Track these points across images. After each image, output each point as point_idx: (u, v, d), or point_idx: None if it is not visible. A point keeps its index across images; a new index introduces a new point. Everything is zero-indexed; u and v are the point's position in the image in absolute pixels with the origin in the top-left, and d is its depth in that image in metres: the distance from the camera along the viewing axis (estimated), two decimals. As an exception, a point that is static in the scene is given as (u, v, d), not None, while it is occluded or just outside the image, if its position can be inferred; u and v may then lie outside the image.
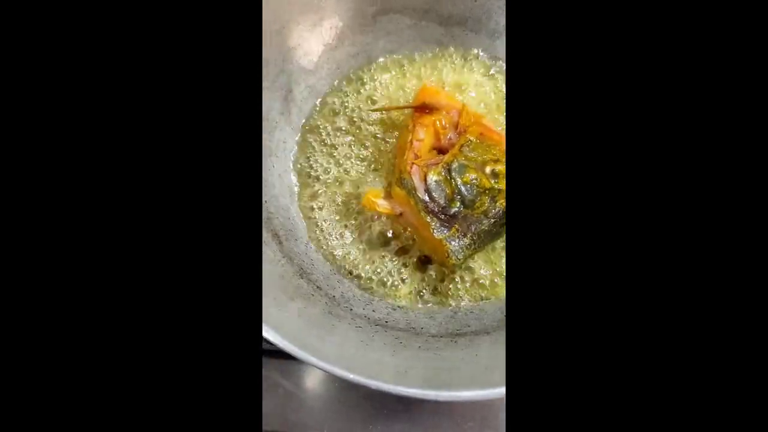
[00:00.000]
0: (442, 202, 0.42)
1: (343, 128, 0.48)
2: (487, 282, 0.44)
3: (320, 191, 0.47)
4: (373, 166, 0.47)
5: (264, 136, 0.46)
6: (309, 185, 0.47)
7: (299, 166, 0.48)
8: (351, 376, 0.33)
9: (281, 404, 0.45)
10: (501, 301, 0.43)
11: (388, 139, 0.48)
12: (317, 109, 0.49)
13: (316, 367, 0.34)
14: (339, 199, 0.46)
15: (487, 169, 0.43)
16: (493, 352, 0.38)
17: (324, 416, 0.45)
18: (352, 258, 0.45)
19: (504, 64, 0.50)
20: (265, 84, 0.46)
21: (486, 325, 0.42)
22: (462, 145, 0.43)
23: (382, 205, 0.44)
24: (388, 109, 0.48)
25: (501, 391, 0.33)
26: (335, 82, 0.50)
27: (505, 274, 0.44)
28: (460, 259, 0.42)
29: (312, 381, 0.46)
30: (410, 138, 0.44)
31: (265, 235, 0.42)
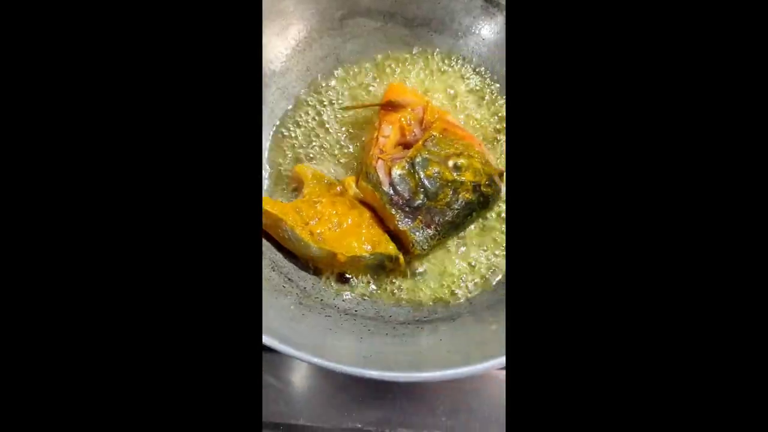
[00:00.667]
0: (406, 195, 0.43)
1: (315, 128, 0.50)
2: (448, 278, 0.45)
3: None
4: (344, 163, 0.49)
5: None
6: (281, 183, 0.49)
7: (271, 165, 0.49)
8: (315, 360, 0.34)
9: (259, 395, 0.47)
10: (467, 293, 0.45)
11: (358, 137, 0.50)
12: (288, 110, 0.51)
13: (284, 354, 0.35)
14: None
15: (450, 163, 0.44)
16: (456, 338, 0.40)
17: (301, 406, 0.47)
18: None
19: (468, 64, 0.52)
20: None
21: (452, 312, 0.43)
22: (426, 140, 0.45)
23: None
24: (356, 108, 0.50)
25: (459, 371, 0.34)
26: (305, 84, 0.51)
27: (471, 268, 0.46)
28: (424, 249, 0.44)
29: (288, 372, 0.48)
30: (376, 134, 0.46)
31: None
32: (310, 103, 0.51)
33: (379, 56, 0.52)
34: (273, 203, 0.44)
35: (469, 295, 0.45)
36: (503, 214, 0.47)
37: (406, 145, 0.46)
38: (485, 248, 0.46)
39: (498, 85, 0.51)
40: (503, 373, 0.46)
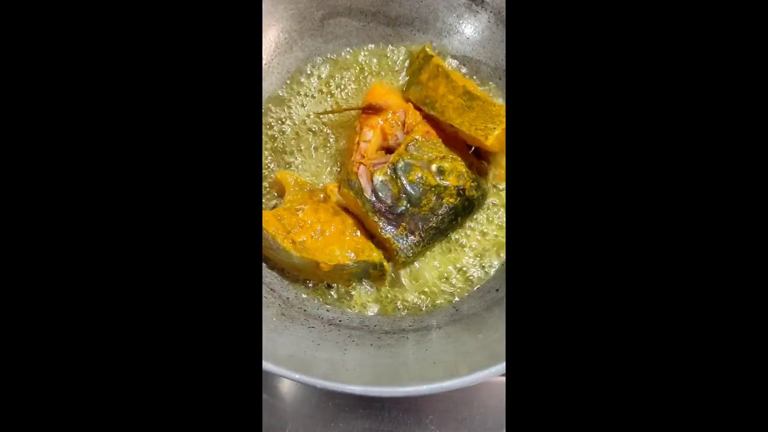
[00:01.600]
0: (388, 201, 0.42)
1: (295, 132, 0.49)
2: (433, 286, 0.45)
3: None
4: (328, 168, 0.48)
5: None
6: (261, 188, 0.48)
7: (253, 171, 0.48)
8: (296, 376, 0.34)
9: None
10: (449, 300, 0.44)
11: (340, 141, 0.48)
12: (270, 114, 0.50)
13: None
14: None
15: (433, 167, 0.43)
16: (442, 347, 0.39)
17: (286, 415, 0.46)
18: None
19: (453, 60, 0.51)
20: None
21: (439, 320, 0.43)
22: (408, 144, 0.44)
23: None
24: (336, 112, 0.49)
25: (444, 385, 0.33)
26: (286, 87, 0.50)
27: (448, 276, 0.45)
28: (409, 257, 0.43)
29: (272, 380, 0.47)
30: (357, 139, 0.45)
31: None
32: (292, 106, 0.50)
33: (361, 56, 0.51)
34: None
35: (454, 301, 0.44)
36: (490, 217, 0.46)
37: (389, 150, 0.45)
38: (469, 251, 0.45)
39: (479, 83, 0.50)
40: (493, 380, 0.45)
